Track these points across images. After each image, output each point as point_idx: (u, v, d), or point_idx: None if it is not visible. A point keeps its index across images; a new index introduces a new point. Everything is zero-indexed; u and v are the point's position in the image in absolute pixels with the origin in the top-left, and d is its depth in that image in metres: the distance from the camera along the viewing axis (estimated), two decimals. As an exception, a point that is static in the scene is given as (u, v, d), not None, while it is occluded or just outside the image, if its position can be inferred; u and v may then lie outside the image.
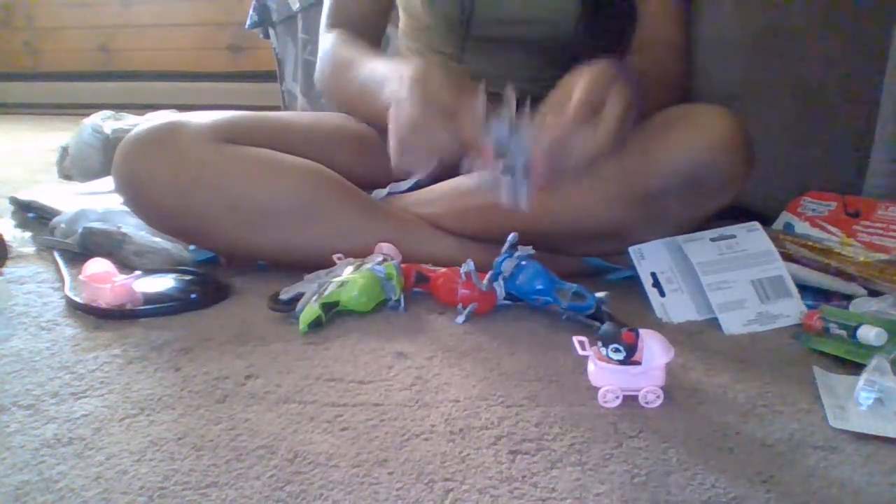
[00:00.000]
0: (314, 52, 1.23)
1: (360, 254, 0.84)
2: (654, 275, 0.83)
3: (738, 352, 0.72)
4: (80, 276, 0.84)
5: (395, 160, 0.69)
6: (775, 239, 0.85)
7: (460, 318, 0.75)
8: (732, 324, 0.77)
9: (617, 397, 0.61)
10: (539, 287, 0.78)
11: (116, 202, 0.98)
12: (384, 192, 0.97)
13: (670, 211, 0.82)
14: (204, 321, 0.80)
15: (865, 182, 1.00)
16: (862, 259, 0.85)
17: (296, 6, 1.56)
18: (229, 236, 0.88)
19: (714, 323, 0.78)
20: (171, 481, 0.51)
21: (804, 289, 0.81)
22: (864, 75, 1.00)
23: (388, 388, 0.64)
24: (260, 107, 1.23)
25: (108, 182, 0.97)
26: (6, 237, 1.00)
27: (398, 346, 0.73)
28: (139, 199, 0.88)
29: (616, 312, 0.76)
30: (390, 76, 0.75)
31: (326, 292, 0.78)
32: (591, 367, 0.62)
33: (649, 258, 0.84)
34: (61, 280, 0.91)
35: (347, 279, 0.79)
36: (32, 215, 1.19)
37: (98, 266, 0.85)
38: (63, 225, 1.06)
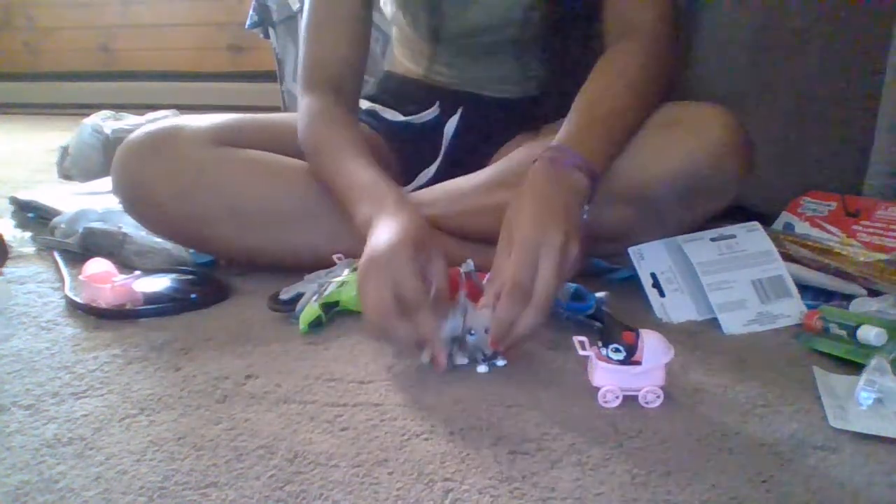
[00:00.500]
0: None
1: (359, 254, 0.84)
2: (654, 275, 0.83)
3: (738, 352, 0.72)
4: (80, 276, 0.84)
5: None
6: (775, 239, 0.85)
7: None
8: (732, 324, 0.77)
9: (617, 397, 0.61)
10: (539, 287, 0.78)
11: (116, 202, 0.98)
12: None
13: (670, 212, 0.82)
14: (204, 321, 0.80)
15: (865, 182, 1.00)
16: (862, 259, 0.85)
17: (296, 6, 1.56)
18: (229, 238, 0.88)
19: (714, 323, 0.78)
20: (171, 481, 0.51)
21: (804, 289, 0.81)
22: (864, 75, 1.00)
23: (388, 388, 0.64)
24: (260, 107, 1.23)
25: (108, 182, 0.97)
26: (6, 237, 1.00)
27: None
28: (139, 203, 0.88)
29: (616, 312, 0.76)
30: (362, 212, 0.76)
31: (326, 292, 0.78)
32: (591, 367, 0.62)
33: (649, 258, 0.84)
34: (61, 280, 0.91)
35: (347, 279, 0.79)
36: (32, 215, 1.19)
37: (98, 266, 0.85)
38: (63, 225, 1.06)
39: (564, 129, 0.77)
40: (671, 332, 0.72)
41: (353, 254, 0.84)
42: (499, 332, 0.64)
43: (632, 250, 0.84)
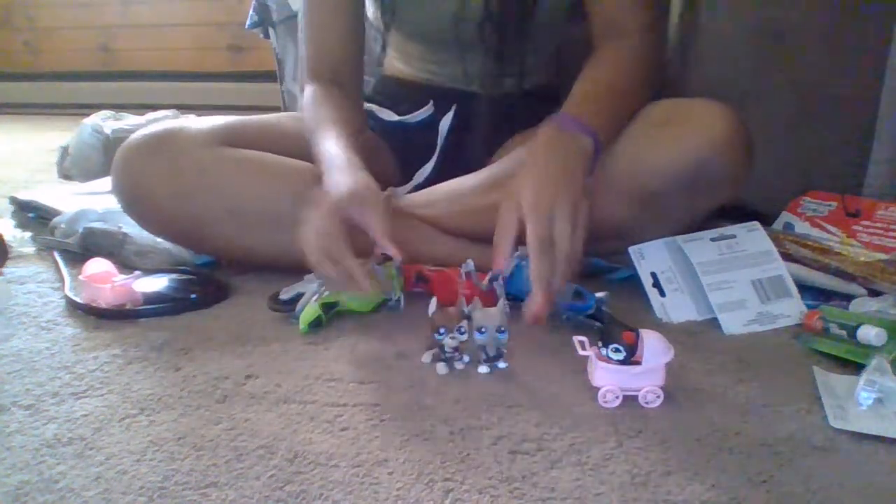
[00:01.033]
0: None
1: (359, 254, 0.84)
2: (654, 275, 0.83)
3: (738, 352, 0.72)
4: (80, 276, 0.84)
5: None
6: (775, 239, 0.85)
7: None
8: (732, 324, 0.77)
9: (617, 397, 0.61)
10: (539, 287, 0.78)
11: (116, 202, 0.98)
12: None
13: (671, 209, 0.82)
14: (204, 321, 0.80)
15: (865, 182, 1.00)
16: (862, 259, 0.86)
17: (296, 6, 1.56)
18: (228, 239, 0.89)
19: (714, 323, 0.78)
20: (171, 481, 0.51)
21: (804, 289, 0.81)
22: (864, 75, 1.00)
23: (388, 388, 0.64)
24: (260, 107, 1.23)
25: (108, 182, 0.97)
26: (6, 237, 1.00)
27: (398, 346, 0.73)
28: (139, 205, 0.89)
29: (616, 312, 0.76)
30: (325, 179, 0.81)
31: (326, 292, 0.78)
32: (591, 367, 0.62)
33: (649, 258, 0.84)
34: (61, 280, 0.91)
35: (347, 279, 0.79)
36: (32, 215, 1.19)
37: (98, 266, 0.85)
38: (63, 225, 1.06)
39: (566, 104, 0.81)
40: (671, 332, 0.72)
41: (353, 254, 0.84)
42: (542, 287, 0.67)
43: (632, 250, 0.84)
